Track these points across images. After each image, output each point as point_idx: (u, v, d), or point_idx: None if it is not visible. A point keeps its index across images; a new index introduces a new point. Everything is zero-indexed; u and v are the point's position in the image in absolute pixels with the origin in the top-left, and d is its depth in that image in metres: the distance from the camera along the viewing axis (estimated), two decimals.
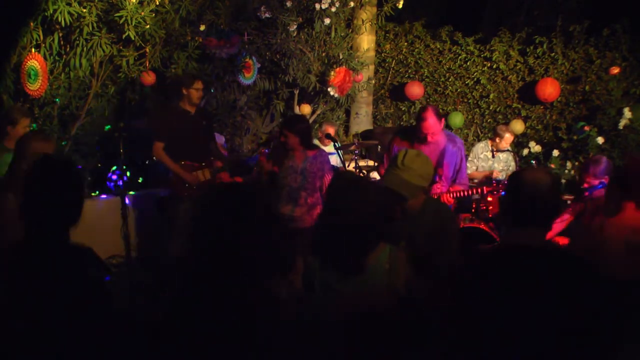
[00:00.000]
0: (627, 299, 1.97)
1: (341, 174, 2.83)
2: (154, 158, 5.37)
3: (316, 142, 7.08)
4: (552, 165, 7.34)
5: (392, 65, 9.02)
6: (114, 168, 5.99)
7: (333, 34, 7.41)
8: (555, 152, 7.57)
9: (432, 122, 4.02)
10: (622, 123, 7.26)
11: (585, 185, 4.13)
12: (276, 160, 4.31)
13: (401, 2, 7.58)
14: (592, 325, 1.65)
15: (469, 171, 6.19)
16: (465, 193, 4.27)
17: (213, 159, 5.18)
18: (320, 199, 4.20)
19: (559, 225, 3.93)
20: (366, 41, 8.14)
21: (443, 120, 4.20)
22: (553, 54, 7.91)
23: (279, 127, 5.76)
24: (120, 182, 5.52)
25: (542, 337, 1.63)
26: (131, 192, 5.78)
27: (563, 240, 3.95)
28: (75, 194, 2.00)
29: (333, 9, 6.99)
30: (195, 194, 4.87)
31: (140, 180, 6.23)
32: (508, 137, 6.22)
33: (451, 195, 4.14)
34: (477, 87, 8.49)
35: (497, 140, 6.23)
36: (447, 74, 8.64)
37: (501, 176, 6.19)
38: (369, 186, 2.32)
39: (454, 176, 4.27)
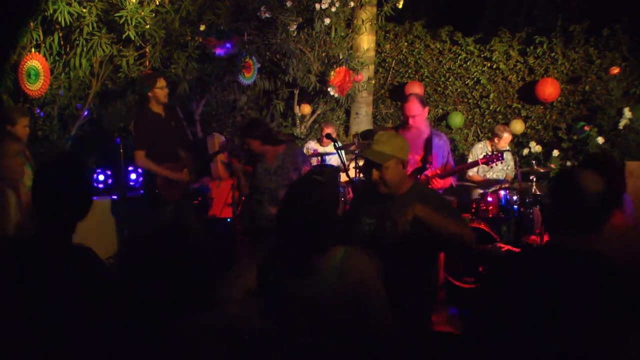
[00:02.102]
0: None
1: (302, 176, 2.92)
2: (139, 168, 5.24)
3: (316, 142, 7.10)
4: (552, 165, 7.34)
5: (392, 65, 9.02)
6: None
7: (333, 34, 7.41)
8: (555, 152, 7.57)
9: (414, 106, 4.17)
10: (622, 123, 7.26)
11: None
12: (252, 166, 4.34)
13: (401, 2, 7.58)
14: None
15: (469, 172, 6.20)
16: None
17: (187, 157, 5.01)
18: None
19: None
20: (366, 41, 8.14)
21: (427, 109, 4.30)
22: (553, 54, 7.91)
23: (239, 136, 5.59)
24: (111, 182, 5.51)
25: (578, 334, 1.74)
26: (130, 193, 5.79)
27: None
28: (85, 190, 2.06)
29: (333, 9, 6.99)
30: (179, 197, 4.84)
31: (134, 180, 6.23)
32: (506, 137, 6.22)
33: (442, 176, 4.18)
34: (477, 87, 8.48)
35: (496, 140, 6.23)
36: (447, 74, 8.63)
37: (501, 176, 6.19)
38: (320, 186, 2.25)
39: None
